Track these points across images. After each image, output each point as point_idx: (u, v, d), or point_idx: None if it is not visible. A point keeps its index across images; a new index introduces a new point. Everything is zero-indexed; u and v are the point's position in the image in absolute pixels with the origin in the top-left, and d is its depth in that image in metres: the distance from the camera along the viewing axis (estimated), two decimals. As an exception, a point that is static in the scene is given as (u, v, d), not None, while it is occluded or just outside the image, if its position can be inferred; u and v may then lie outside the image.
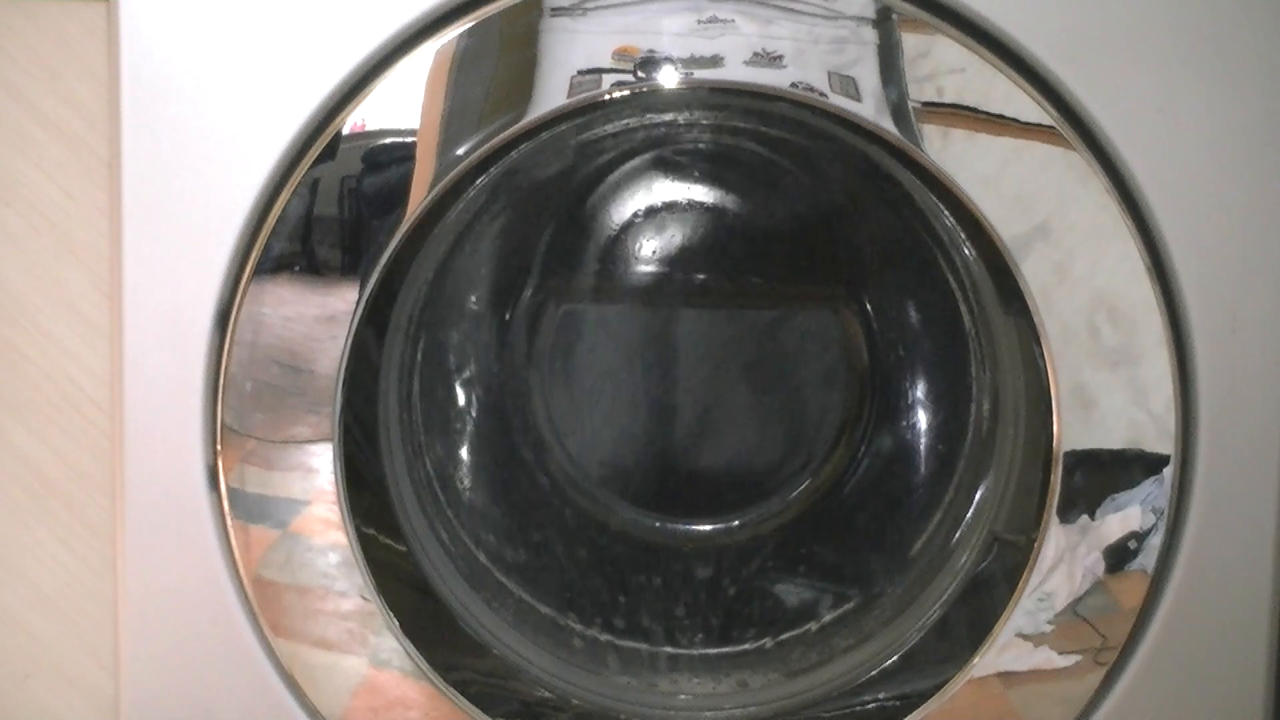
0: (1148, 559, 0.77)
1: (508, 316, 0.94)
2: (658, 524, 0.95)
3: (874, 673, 0.83)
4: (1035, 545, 0.77)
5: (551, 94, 0.74)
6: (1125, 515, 0.77)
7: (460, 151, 0.74)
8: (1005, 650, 0.78)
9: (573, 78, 0.74)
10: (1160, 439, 0.76)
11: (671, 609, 0.92)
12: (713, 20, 0.74)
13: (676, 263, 0.94)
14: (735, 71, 0.74)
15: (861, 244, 0.94)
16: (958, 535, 0.85)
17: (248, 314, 0.75)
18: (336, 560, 0.77)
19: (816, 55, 0.74)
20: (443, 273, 0.88)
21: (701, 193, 0.94)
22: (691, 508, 0.96)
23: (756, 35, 0.74)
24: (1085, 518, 0.77)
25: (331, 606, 0.77)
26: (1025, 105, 0.74)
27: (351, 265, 0.75)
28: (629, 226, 0.94)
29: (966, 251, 0.81)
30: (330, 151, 0.74)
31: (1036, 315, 0.76)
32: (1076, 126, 0.75)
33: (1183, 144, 0.75)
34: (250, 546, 0.76)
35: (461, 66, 0.74)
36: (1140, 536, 0.77)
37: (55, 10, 0.77)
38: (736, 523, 0.96)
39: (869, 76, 0.74)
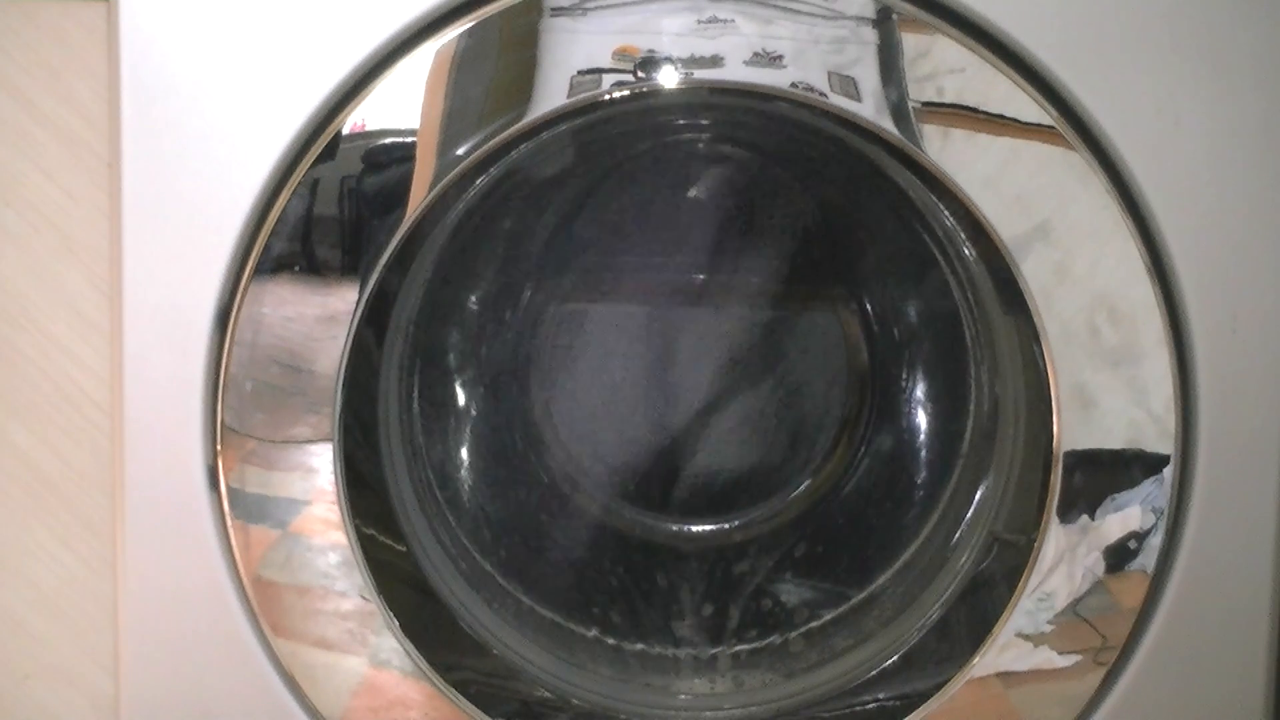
0: (1148, 559, 0.77)
1: (508, 316, 0.94)
2: (657, 524, 0.95)
3: (874, 673, 0.83)
4: (1035, 545, 0.77)
5: (551, 94, 0.74)
6: (1125, 515, 0.77)
7: (460, 151, 0.74)
8: (1005, 650, 0.78)
9: (573, 78, 0.74)
10: (1160, 439, 0.76)
11: (671, 609, 0.92)
12: (713, 20, 0.74)
13: (677, 262, 0.94)
14: (735, 71, 0.74)
15: (861, 244, 0.94)
16: (958, 535, 0.85)
17: (248, 314, 0.75)
18: (336, 560, 0.77)
19: (816, 55, 0.74)
20: (443, 273, 0.88)
21: (701, 192, 0.94)
22: (691, 508, 0.96)
23: (756, 35, 0.74)
24: (1085, 518, 0.77)
25: (331, 606, 0.77)
26: (1025, 105, 0.74)
27: (351, 265, 0.75)
28: (629, 226, 0.94)
29: (966, 251, 0.81)
30: (330, 151, 0.74)
31: (1036, 315, 0.76)
32: (1076, 126, 0.75)
33: (1183, 144, 0.75)
34: (250, 546, 0.76)
35: (461, 66, 0.74)
36: (1140, 536, 0.77)
37: (55, 10, 0.77)
38: (736, 523, 0.96)
39: (869, 76, 0.74)
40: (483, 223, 0.88)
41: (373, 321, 0.78)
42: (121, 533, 0.77)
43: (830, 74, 0.74)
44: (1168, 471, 0.76)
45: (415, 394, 0.90)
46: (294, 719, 0.78)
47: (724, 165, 0.93)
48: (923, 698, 0.80)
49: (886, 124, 0.74)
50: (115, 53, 0.74)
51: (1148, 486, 0.77)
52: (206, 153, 0.74)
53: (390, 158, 0.74)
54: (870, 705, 0.82)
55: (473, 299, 0.93)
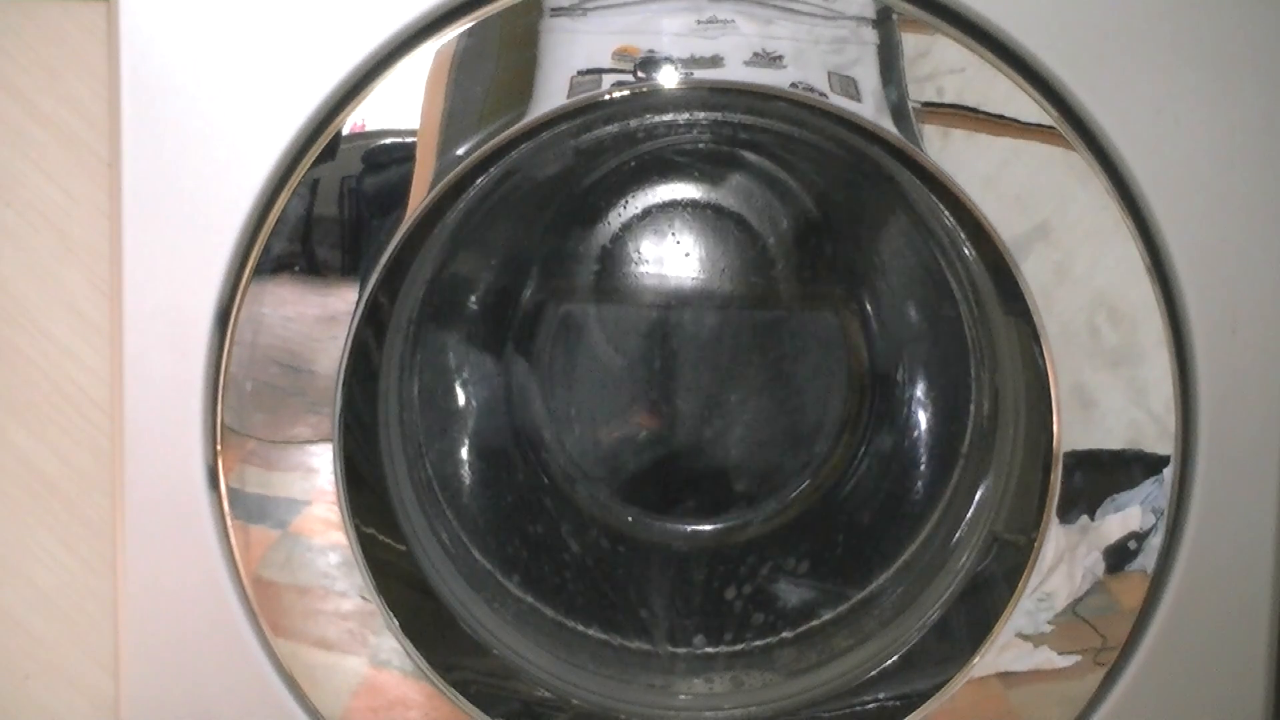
0: (1148, 559, 0.77)
1: (508, 316, 0.94)
2: (657, 524, 0.95)
3: (874, 673, 0.83)
4: (1035, 545, 0.77)
5: (551, 94, 0.74)
6: (1125, 515, 0.77)
7: (460, 151, 0.74)
8: (1005, 650, 0.78)
9: (573, 78, 0.74)
10: (1160, 439, 0.76)
11: (671, 609, 0.92)
12: (713, 20, 0.74)
13: (676, 263, 0.94)
14: (735, 71, 0.74)
15: (861, 244, 0.94)
16: (958, 535, 0.85)
17: (248, 314, 0.75)
18: (336, 560, 0.77)
19: (816, 55, 0.74)
20: (443, 273, 0.88)
21: (701, 193, 0.94)
22: (691, 508, 0.96)
23: (756, 35, 0.74)
24: (1085, 518, 0.77)
25: (331, 606, 0.77)
26: (1025, 105, 0.74)
27: (351, 265, 0.75)
28: (629, 226, 0.94)
29: (966, 252, 0.81)
30: (330, 151, 0.74)
31: (1036, 315, 0.76)
32: (1076, 126, 0.75)
33: (1183, 144, 0.75)
34: (250, 546, 0.76)
35: (461, 66, 0.74)
36: (1140, 536, 0.77)
37: (55, 10, 0.77)
38: (736, 523, 0.96)
39: (869, 76, 0.74)
40: (483, 222, 0.88)
41: (373, 321, 0.78)
42: (121, 533, 0.77)
43: (830, 74, 0.74)
44: (1168, 471, 0.76)
45: (415, 394, 0.90)
46: (294, 719, 0.78)
47: (723, 165, 0.93)
48: (923, 698, 0.80)
49: (886, 124, 0.74)
50: (115, 53, 0.74)
51: (1148, 486, 0.77)
52: (206, 153, 0.74)
53: (390, 158, 0.74)
54: (870, 705, 0.82)
55: (472, 299, 0.93)
